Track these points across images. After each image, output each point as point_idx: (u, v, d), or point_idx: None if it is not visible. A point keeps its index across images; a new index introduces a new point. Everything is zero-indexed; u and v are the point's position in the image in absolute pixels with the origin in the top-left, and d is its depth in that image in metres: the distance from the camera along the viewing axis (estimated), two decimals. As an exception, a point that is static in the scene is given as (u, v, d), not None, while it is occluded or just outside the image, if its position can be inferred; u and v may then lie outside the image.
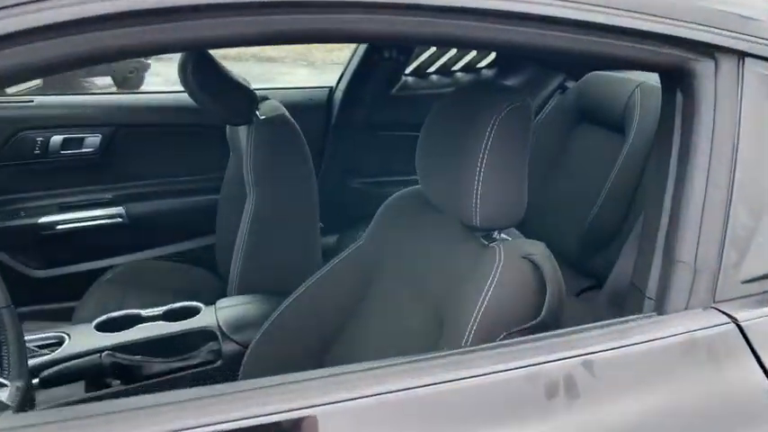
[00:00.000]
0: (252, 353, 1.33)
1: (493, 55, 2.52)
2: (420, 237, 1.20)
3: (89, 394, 1.34)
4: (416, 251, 1.20)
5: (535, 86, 2.45)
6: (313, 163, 1.69)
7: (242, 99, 1.68)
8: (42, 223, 2.08)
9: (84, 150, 2.09)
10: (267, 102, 1.85)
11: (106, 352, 1.35)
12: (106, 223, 2.14)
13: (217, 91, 1.66)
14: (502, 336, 0.91)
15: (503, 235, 1.05)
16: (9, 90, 2.20)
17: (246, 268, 1.62)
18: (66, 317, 1.84)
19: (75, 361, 1.35)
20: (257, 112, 1.72)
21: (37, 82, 2.81)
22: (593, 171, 1.90)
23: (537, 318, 0.91)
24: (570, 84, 2.32)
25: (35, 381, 1.32)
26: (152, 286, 1.95)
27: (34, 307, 2.11)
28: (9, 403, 0.97)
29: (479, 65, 2.51)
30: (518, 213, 1.02)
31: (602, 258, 1.82)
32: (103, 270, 2.04)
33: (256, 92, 1.75)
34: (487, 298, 0.93)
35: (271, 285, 1.59)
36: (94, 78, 6.35)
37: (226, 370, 1.42)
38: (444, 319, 1.04)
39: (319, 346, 1.30)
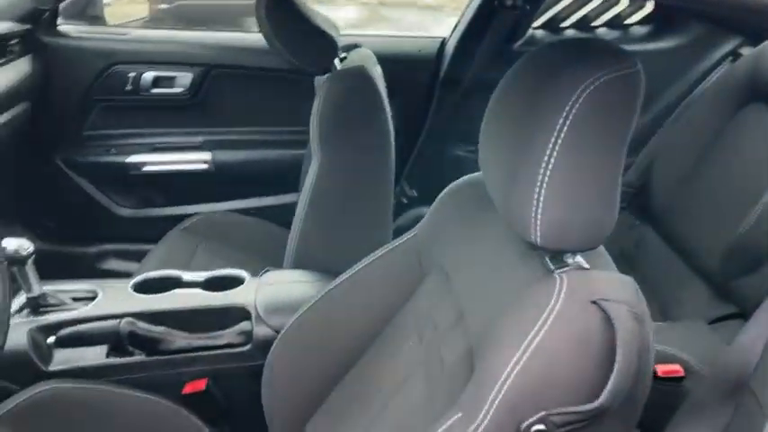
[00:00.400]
0: (280, 341, 1.14)
1: (650, 7, 2.05)
2: (475, 241, 0.91)
3: (107, 360, 1.23)
4: (468, 259, 0.92)
5: (699, 52, 1.97)
6: (415, 125, 1.44)
7: (319, 44, 1.45)
8: (130, 163, 2.02)
9: (174, 90, 1.99)
10: (357, 50, 1.60)
11: (126, 319, 1.23)
12: (192, 169, 2.04)
13: (292, 33, 1.44)
14: (539, 416, 0.62)
15: (578, 258, 0.74)
16: (109, 21, 2.13)
17: (303, 242, 1.42)
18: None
19: (94, 324, 1.23)
20: (337, 61, 1.48)
21: (143, 14, 2.76)
22: (756, 168, 1.45)
23: (594, 400, 0.61)
24: (745, 50, 1.82)
25: (50, 339, 1.23)
26: (225, 240, 1.83)
27: (117, 245, 2.10)
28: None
29: (629, 20, 2.06)
30: (599, 233, 0.70)
31: (750, 282, 1.39)
32: (183, 217, 1.96)
33: (351, 38, 1.52)
34: (528, 352, 0.64)
35: (328, 264, 1.38)
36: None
37: (255, 354, 1.24)
38: (475, 363, 0.76)
39: (343, 356, 1.08)
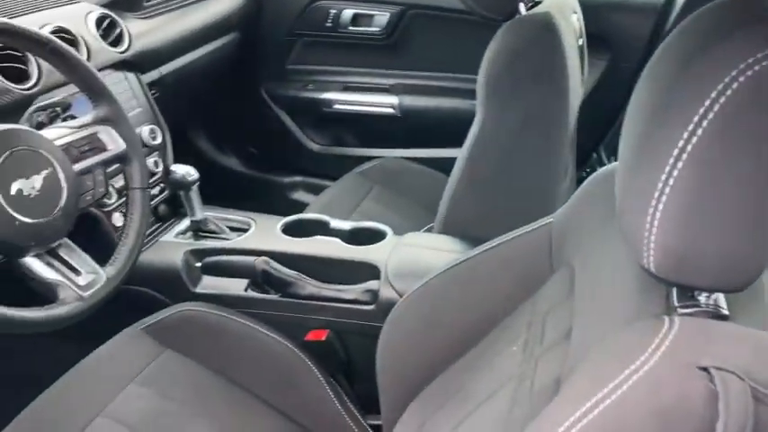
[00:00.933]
0: (398, 309, 1.07)
1: None
2: (608, 242, 0.73)
3: (244, 294, 1.27)
4: (596, 263, 0.74)
5: None
6: (624, 86, 1.21)
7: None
8: (324, 99, 2.06)
9: (370, 29, 1.95)
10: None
11: (262, 258, 1.25)
12: (378, 112, 2.01)
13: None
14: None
15: (717, 299, 0.54)
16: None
17: (453, 205, 1.30)
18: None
19: (237, 258, 1.28)
20: (522, 6, 1.29)
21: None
22: None
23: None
24: None
25: (198, 264, 1.30)
26: (398, 189, 1.79)
27: (306, 178, 2.18)
28: (81, 294, 0.92)
29: None
30: (745, 269, 0.49)
31: None
32: (365, 158, 1.96)
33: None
34: (589, 417, 0.47)
35: (478, 234, 1.25)
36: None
37: (377, 315, 1.19)
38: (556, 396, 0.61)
39: (455, 339, 0.97)
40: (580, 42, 1.39)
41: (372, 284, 1.21)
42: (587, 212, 0.82)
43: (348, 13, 1.95)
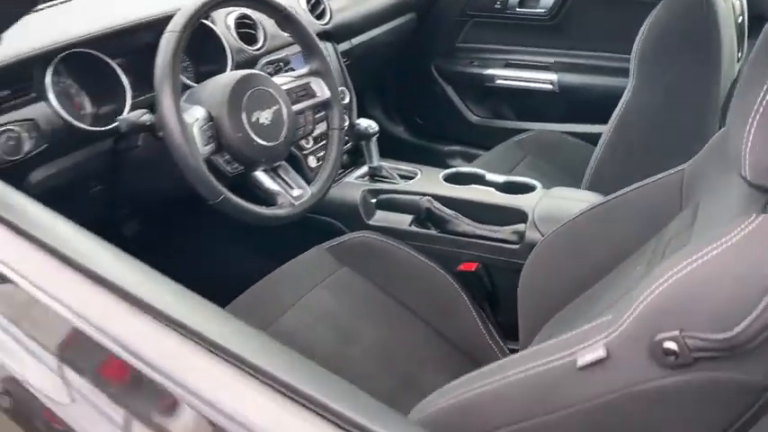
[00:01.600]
0: (540, 246, 1.25)
1: None
2: (726, 180, 0.86)
3: (409, 228, 1.51)
4: (716, 197, 0.87)
5: None
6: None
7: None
8: (487, 75, 2.25)
9: (537, 11, 2.11)
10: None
11: (427, 197, 1.48)
12: (537, 88, 2.17)
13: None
14: (674, 333, 0.63)
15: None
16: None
17: (599, 167, 1.45)
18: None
19: (404, 196, 1.52)
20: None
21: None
22: None
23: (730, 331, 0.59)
24: None
25: (373, 201, 1.57)
26: (549, 159, 1.94)
27: (464, 147, 2.39)
28: (293, 202, 1.21)
29: None
30: None
31: None
32: (521, 131, 2.13)
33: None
34: (693, 265, 0.63)
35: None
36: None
37: (522, 253, 1.37)
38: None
39: (587, 273, 1.13)
40: (740, 21, 1.46)
41: (519, 227, 1.40)
42: (716, 156, 0.95)
43: (518, -5, 2.13)
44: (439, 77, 2.36)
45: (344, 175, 1.71)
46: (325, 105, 1.34)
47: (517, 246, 1.39)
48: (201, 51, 1.47)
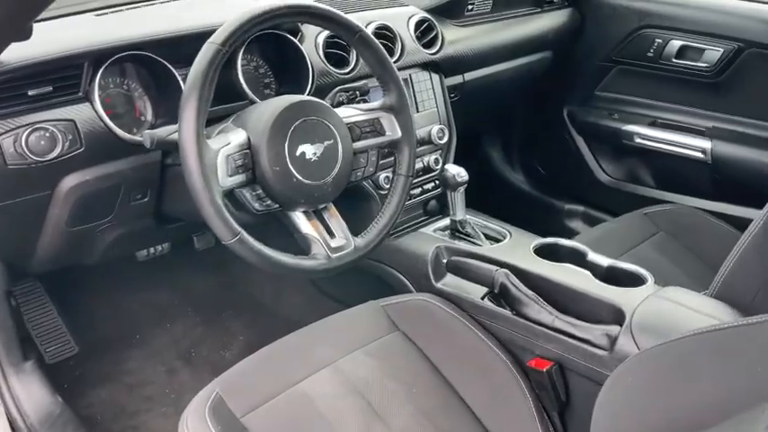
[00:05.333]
0: (631, 361, 0.96)
1: None
2: None
3: (477, 301, 1.27)
4: None
5: None
6: None
7: None
8: (626, 131, 1.93)
9: (699, 64, 1.77)
10: None
11: (503, 270, 1.23)
12: (686, 154, 1.82)
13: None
14: None
15: None
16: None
17: (736, 269, 1.11)
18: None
19: (479, 263, 1.28)
20: None
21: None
22: None
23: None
24: None
25: (445, 261, 1.34)
26: (685, 241, 1.60)
27: (586, 208, 2.09)
28: (330, 255, 1.03)
29: None
30: None
31: None
32: (654, 201, 1.80)
33: None
34: None
35: (759, 306, 1.06)
36: None
37: (611, 365, 1.08)
38: None
39: (688, 422, 0.83)
40: None
41: (613, 329, 1.11)
42: None
43: (675, 45, 1.79)
44: (570, 126, 2.08)
45: (423, 225, 1.50)
46: (393, 145, 1.15)
47: (605, 353, 1.10)
48: (285, 68, 1.34)
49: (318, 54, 1.34)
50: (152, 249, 1.64)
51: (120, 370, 1.58)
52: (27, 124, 1.01)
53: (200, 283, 1.83)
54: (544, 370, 1.15)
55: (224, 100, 1.22)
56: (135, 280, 1.73)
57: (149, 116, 1.21)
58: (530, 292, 1.20)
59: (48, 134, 1.02)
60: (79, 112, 1.06)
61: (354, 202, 1.16)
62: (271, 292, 1.84)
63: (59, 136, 1.03)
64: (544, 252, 1.30)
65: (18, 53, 0.97)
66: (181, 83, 1.16)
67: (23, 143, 1.00)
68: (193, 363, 1.64)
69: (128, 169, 1.14)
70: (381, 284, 1.48)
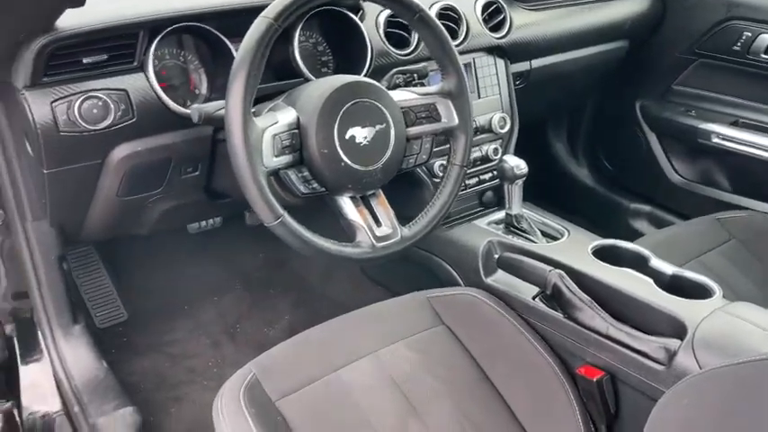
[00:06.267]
0: (689, 381, 0.89)
1: None
2: None
3: (528, 300, 1.20)
4: None
5: None
6: None
7: None
8: (704, 130, 1.80)
9: (789, 60, 1.63)
10: None
11: (558, 271, 1.16)
12: (761, 155, 1.68)
13: None
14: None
15: None
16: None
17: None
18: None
19: (532, 261, 1.22)
20: None
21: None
22: None
23: None
24: None
25: (496, 256, 1.28)
26: (760, 251, 1.48)
27: (654, 209, 1.98)
28: (374, 244, 0.99)
29: None
30: None
31: None
32: (728, 207, 1.68)
33: None
34: None
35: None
36: None
37: (667, 379, 1.01)
38: None
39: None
40: None
41: (672, 343, 1.03)
42: None
43: (765, 39, 1.65)
44: (643, 121, 1.96)
45: (477, 216, 1.44)
46: (449, 133, 1.09)
47: (662, 367, 1.02)
48: (344, 47, 1.30)
49: (378, 33, 1.30)
50: (203, 223, 1.65)
51: (166, 340, 1.59)
52: (80, 92, 1.01)
53: (250, 260, 1.83)
54: (594, 379, 1.09)
55: (279, 76, 1.19)
56: (186, 252, 1.74)
57: (204, 90, 1.19)
58: (584, 297, 1.13)
59: (100, 103, 1.02)
60: (133, 82, 1.05)
61: (406, 187, 1.12)
62: (319, 274, 1.82)
63: (112, 105, 1.03)
64: (603, 254, 1.22)
65: (74, 20, 0.97)
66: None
67: (76, 111, 1.00)
68: (237, 338, 1.64)
69: (179, 142, 1.13)
70: (429, 275, 1.44)
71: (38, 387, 1.30)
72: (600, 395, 1.09)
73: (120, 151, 1.09)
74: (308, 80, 1.20)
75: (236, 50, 1.12)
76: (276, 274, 1.82)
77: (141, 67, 1.06)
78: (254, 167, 0.87)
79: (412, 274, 1.51)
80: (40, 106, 0.98)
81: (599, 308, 1.11)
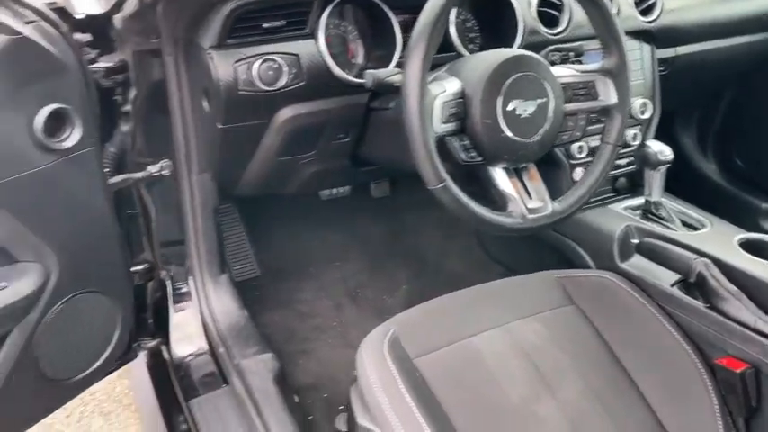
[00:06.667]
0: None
1: None
2: None
3: (668, 288, 1.19)
4: None
5: None
6: None
7: None
8: None
9: None
10: None
11: (704, 260, 1.14)
12: None
13: None
14: None
15: None
16: None
17: None
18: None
19: (675, 248, 1.20)
20: None
21: None
22: None
23: None
24: None
25: (634, 241, 1.28)
26: None
27: None
28: (525, 215, 1.02)
29: None
30: None
31: None
32: None
33: None
34: None
35: None
36: None
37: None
38: None
39: None
40: None
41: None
42: None
43: None
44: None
45: (612, 201, 1.43)
46: (605, 112, 1.09)
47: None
48: (494, 25, 1.32)
49: (530, 11, 1.31)
50: (334, 190, 1.72)
51: (295, 298, 1.69)
52: (259, 54, 1.09)
53: (373, 229, 1.90)
54: (738, 371, 1.07)
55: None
56: (314, 217, 1.83)
57: (360, 59, 1.25)
58: (732, 287, 1.11)
59: (276, 65, 1.09)
60: (304, 48, 1.12)
61: (542, 167, 1.13)
62: (438, 248, 1.87)
63: (285, 68, 1.10)
64: (751, 248, 1.19)
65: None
66: (397, 29, 1.19)
67: (255, 72, 1.08)
68: (358, 302, 1.71)
69: (336, 108, 1.20)
70: (554, 256, 1.45)
71: (185, 328, 1.42)
72: (742, 387, 1.07)
73: (285, 113, 1.16)
74: (460, 55, 1.23)
75: (398, 23, 1.18)
76: (396, 245, 1.87)
77: (312, 34, 1.13)
78: (425, 131, 0.92)
79: (536, 255, 1.52)
80: (223, 66, 1.07)
81: (748, 300, 1.09)
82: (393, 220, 1.90)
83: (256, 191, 1.39)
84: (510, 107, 0.99)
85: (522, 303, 1.18)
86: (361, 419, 1.01)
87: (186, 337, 1.41)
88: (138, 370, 1.50)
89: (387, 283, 1.78)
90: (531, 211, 1.02)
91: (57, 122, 0.98)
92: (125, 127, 1.26)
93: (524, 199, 1.02)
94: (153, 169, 1.27)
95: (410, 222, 1.89)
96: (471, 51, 1.29)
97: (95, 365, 1.17)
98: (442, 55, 1.21)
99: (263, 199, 1.55)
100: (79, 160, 1.02)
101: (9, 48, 0.89)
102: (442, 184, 0.94)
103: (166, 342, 1.43)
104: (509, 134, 0.99)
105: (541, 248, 1.49)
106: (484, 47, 1.33)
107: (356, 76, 1.18)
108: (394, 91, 1.01)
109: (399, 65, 1.15)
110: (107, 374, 1.25)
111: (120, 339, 1.20)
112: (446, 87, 0.98)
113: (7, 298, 0.97)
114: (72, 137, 0.99)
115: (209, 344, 1.37)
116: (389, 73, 1.02)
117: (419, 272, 1.81)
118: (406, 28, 1.19)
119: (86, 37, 1.12)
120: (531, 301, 1.19)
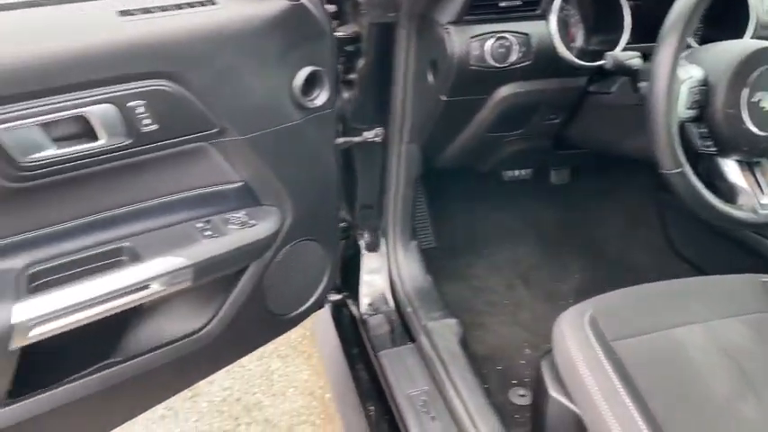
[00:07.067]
0: None
1: None
2: None
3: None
4: None
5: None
6: None
7: None
8: None
9: None
10: None
11: None
12: None
13: None
14: None
15: None
16: None
17: None
18: None
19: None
20: None
21: None
22: None
23: None
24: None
25: None
26: None
27: None
28: (758, 209, 1.00)
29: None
30: None
31: None
32: None
33: None
34: None
35: None
36: None
37: None
38: None
39: None
40: None
41: None
42: None
43: None
44: None
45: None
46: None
47: None
48: (719, 16, 1.28)
49: (763, 5, 1.26)
50: (517, 172, 1.75)
51: (469, 273, 1.74)
52: (493, 32, 1.13)
53: (550, 216, 1.91)
54: None
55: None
56: (493, 197, 1.87)
57: (579, 42, 1.26)
58: None
59: (507, 44, 1.13)
60: (534, 28, 1.15)
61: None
62: (616, 242, 1.84)
63: (515, 47, 1.14)
64: None
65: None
66: (627, 14, 1.19)
67: (487, 49, 1.13)
68: (529, 285, 1.73)
69: (553, 89, 1.22)
70: (751, 258, 1.39)
71: (375, 287, 1.51)
72: None
73: (505, 90, 1.20)
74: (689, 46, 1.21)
75: (628, 7, 1.19)
76: (571, 234, 1.87)
77: (543, 16, 1.16)
78: (669, 114, 0.92)
79: (730, 255, 1.47)
80: (459, 41, 1.13)
81: None
82: (570, 208, 1.90)
83: (455, 163, 1.45)
84: (755, 98, 0.97)
85: (725, 302, 1.15)
86: (555, 393, 1.04)
87: (375, 294, 1.51)
88: (323, 320, 1.62)
89: (557, 270, 1.79)
90: (763, 206, 1.00)
91: (309, 83, 1.08)
92: (346, 94, 1.36)
93: (757, 193, 1.00)
94: (368, 135, 1.36)
95: (589, 211, 1.88)
96: (694, 42, 1.27)
97: (306, 305, 1.28)
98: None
99: (447, 174, 1.60)
100: (322, 119, 1.12)
101: (288, 12, 1.00)
102: (680, 170, 0.94)
103: (353, 297, 1.54)
104: (752, 127, 0.97)
105: (737, 248, 1.43)
106: (704, 39, 1.30)
107: (576, 58, 1.19)
108: (630, 74, 1.02)
109: (626, 49, 1.16)
110: (308, 316, 1.37)
111: (327, 285, 1.31)
112: (692, 73, 0.98)
113: (254, 235, 1.10)
114: (320, 97, 1.09)
115: (397, 303, 1.46)
116: (629, 56, 1.03)
117: (594, 262, 1.80)
118: (636, 14, 1.19)
119: (332, 8, 1.22)
120: (735, 302, 1.16)
